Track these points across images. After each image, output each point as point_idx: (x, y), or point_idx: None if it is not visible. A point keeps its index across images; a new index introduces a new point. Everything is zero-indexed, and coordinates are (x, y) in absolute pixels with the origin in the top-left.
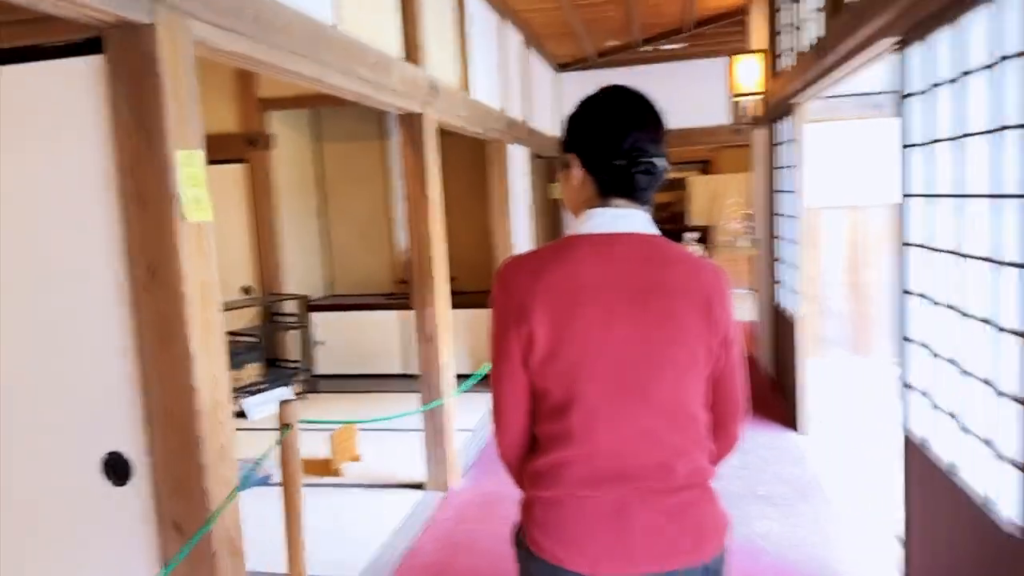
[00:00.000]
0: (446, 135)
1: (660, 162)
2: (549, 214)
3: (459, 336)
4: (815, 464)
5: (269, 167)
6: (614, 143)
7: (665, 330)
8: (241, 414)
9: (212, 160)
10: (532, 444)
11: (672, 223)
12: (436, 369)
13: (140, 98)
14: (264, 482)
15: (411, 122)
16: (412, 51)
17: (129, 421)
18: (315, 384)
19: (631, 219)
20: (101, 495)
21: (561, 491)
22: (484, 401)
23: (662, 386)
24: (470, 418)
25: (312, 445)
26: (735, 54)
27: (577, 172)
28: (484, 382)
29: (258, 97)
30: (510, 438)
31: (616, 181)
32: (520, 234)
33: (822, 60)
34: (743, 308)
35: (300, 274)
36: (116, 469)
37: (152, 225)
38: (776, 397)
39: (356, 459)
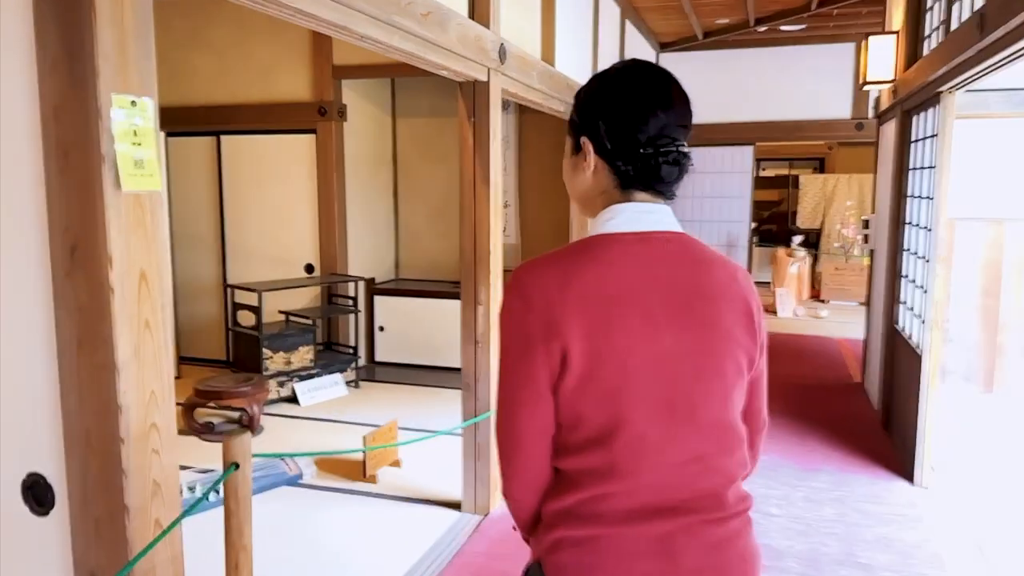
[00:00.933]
0: (526, 112)
1: (688, 151)
2: None
3: None
4: (933, 527)
5: (339, 139)
6: (638, 127)
7: (711, 340)
8: (292, 399)
9: (281, 129)
10: (553, 482)
11: (775, 224)
12: (484, 377)
13: (68, 18)
14: (295, 481)
15: (473, 91)
16: (480, 7)
17: (51, 439)
18: (373, 372)
19: (660, 215)
20: (21, 524)
21: (599, 530)
22: None
23: (710, 403)
24: None
25: (352, 442)
26: (864, 38)
27: (591, 159)
28: None
29: (333, 64)
30: (530, 477)
31: (639, 172)
32: None
33: (982, 38)
34: (852, 325)
35: (366, 255)
36: (36, 494)
37: (75, 190)
38: (885, 436)
39: (396, 464)
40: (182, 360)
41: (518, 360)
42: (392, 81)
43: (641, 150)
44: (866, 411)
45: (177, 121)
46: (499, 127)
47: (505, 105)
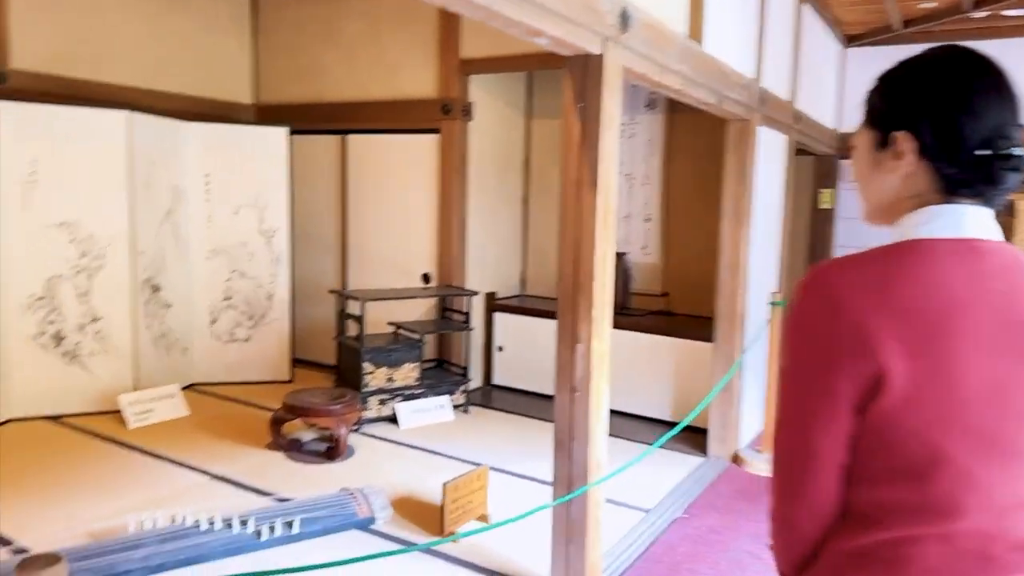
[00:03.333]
0: (677, 111)
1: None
2: (811, 230)
3: (665, 373)
4: None
5: (462, 139)
6: (973, 124)
7: None
8: (394, 419)
9: (405, 128)
10: (844, 516)
11: None
12: (582, 434)
13: None
14: (365, 525)
15: (582, 67)
16: None
17: None
18: (488, 396)
19: (986, 220)
20: None
21: None
22: (676, 465)
23: None
24: (651, 489)
25: (436, 484)
26: None
27: (909, 159)
28: (684, 436)
29: (460, 57)
30: (819, 502)
31: (972, 176)
32: (760, 249)
33: None
34: None
35: (488, 267)
36: None
37: None
38: None
39: (484, 519)
40: (297, 363)
41: (816, 372)
42: (529, 76)
43: (977, 151)
44: None
45: (306, 119)
46: (616, 117)
47: (652, 103)
